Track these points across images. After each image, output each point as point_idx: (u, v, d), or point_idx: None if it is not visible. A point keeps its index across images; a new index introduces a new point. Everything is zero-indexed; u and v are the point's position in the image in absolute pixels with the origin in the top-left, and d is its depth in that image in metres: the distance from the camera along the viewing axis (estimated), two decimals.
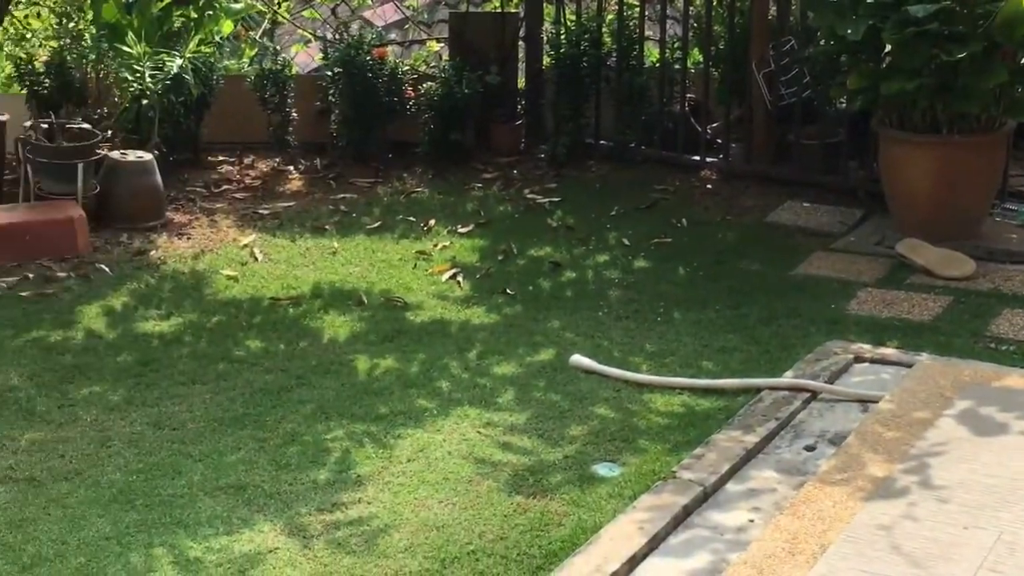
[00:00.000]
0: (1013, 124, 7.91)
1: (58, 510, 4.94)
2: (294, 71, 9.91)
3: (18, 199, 8.28)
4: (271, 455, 5.37)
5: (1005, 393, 5.53)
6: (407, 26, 12.34)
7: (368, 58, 9.39)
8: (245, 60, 10.62)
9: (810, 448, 5.41)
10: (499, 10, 10.50)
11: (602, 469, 5.25)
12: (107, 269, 7.57)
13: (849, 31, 7.54)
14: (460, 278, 7.49)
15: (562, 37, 9.58)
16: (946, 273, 7.36)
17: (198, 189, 9.03)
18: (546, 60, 9.88)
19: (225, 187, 9.12)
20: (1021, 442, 5.08)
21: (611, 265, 7.74)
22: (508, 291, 7.29)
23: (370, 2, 11.49)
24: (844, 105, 8.58)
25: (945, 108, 7.58)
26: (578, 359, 6.26)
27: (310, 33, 10.99)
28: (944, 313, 6.89)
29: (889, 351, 6.34)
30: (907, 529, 4.46)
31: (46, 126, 8.44)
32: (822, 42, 8.30)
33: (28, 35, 9.93)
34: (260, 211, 8.66)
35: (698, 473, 5.10)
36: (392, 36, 11.62)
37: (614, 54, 9.57)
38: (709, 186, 9.06)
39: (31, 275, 7.45)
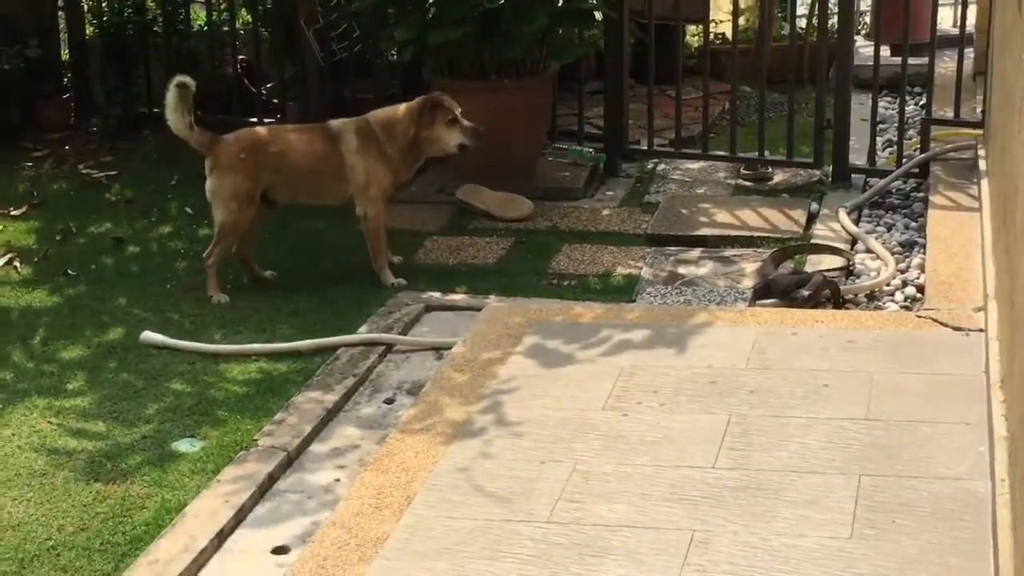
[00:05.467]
0: (557, 67, 8.17)
1: None
2: None
3: None
4: None
5: (569, 327, 5.73)
6: None
7: None
8: None
9: (389, 401, 5.48)
10: None
11: (183, 445, 5.15)
12: None
13: None
14: (17, 263, 7.17)
15: (104, 5, 9.28)
16: (506, 215, 7.57)
17: None
18: (89, 30, 9.55)
19: None
20: (587, 373, 5.28)
21: (176, 236, 7.59)
22: (70, 272, 7.03)
23: None
24: (396, 57, 8.67)
25: (491, 54, 7.76)
26: (149, 335, 6.11)
27: None
28: (507, 255, 7.10)
29: (458, 297, 6.48)
30: (487, 469, 4.57)
31: None
32: None
33: None
34: None
35: (280, 438, 5.09)
36: None
37: (160, 19, 9.34)
38: None
39: None
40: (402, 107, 6.78)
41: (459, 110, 6.76)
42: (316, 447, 5.11)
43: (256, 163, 6.61)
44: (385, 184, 6.74)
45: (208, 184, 6.65)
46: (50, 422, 5.37)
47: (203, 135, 6.58)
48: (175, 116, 6.49)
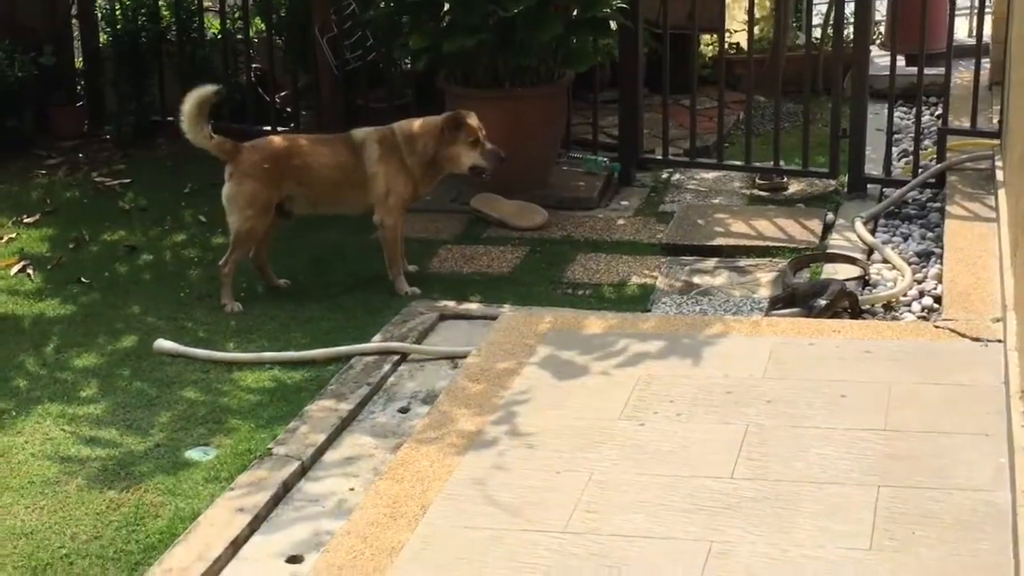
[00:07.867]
0: (572, 75, 8.15)
1: None
2: None
3: None
4: None
5: (584, 337, 5.71)
6: None
7: None
8: None
9: (404, 410, 5.44)
10: None
11: (196, 454, 5.13)
12: None
13: None
14: (30, 270, 7.16)
15: (117, 13, 9.29)
16: (521, 224, 7.55)
17: None
18: (103, 38, 9.55)
19: None
20: (602, 383, 5.25)
21: (189, 244, 7.58)
22: (83, 280, 7.02)
23: None
24: (409, 66, 8.64)
25: (506, 62, 7.74)
26: (162, 343, 6.09)
27: None
28: (522, 263, 7.07)
29: (473, 306, 6.46)
30: (502, 479, 4.54)
31: None
32: (382, 4, 8.32)
33: None
34: None
35: (294, 447, 5.06)
36: None
37: (174, 27, 9.34)
38: None
39: None
40: (428, 120, 6.76)
41: (483, 132, 6.74)
42: (330, 456, 5.08)
43: (278, 173, 6.61)
44: (404, 194, 6.73)
45: (225, 190, 6.62)
46: (63, 430, 5.34)
47: (225, 142, 6.58)
48: (192, 127, 6.47)
